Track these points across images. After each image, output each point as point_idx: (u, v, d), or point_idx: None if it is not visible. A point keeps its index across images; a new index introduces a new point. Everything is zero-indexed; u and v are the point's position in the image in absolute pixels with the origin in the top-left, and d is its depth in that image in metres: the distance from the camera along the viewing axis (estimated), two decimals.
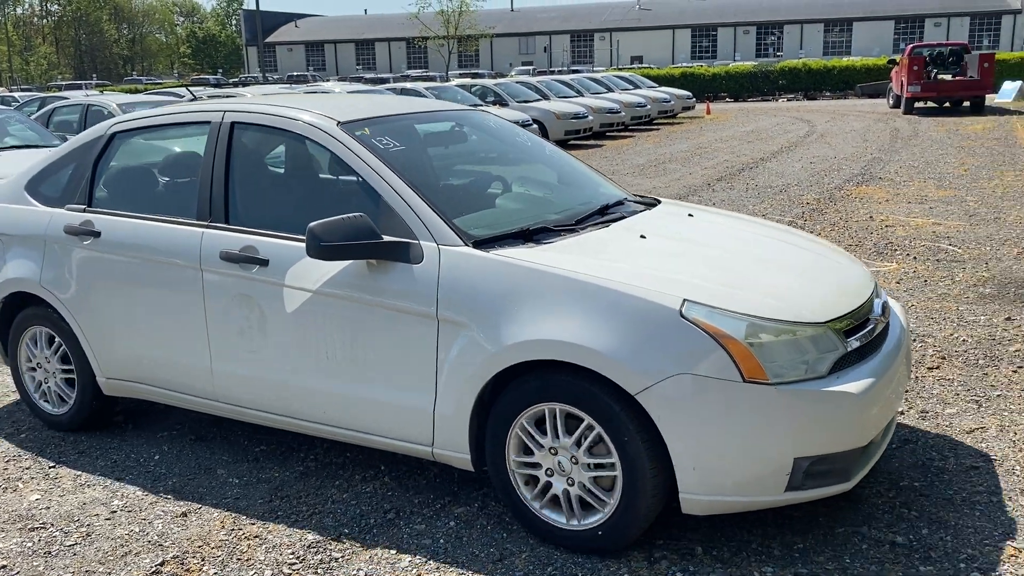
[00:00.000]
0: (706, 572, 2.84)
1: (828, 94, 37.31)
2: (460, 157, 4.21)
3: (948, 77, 24.07)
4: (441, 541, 3.13)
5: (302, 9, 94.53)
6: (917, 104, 24.57)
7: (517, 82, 21.20)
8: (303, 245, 3.30)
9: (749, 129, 21.53)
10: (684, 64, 54.67)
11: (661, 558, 2.94)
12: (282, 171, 4.07)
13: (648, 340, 2.75)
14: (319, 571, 2.98)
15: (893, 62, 27.02)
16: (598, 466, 2.89)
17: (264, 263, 3.45)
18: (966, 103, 24.20)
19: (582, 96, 22.16)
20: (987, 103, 25.12)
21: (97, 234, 3.93)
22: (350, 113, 3.70)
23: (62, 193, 4.18)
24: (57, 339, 4.17)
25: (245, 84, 47.77)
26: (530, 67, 59.55)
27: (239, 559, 3.08)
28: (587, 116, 19.10)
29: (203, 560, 3.08)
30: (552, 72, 48.43)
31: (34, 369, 4.30)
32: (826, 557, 2.90)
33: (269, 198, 3.84)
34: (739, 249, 3.40)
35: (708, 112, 27.85)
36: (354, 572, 2.96)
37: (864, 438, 2.82)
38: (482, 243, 3.13)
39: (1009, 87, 28.42)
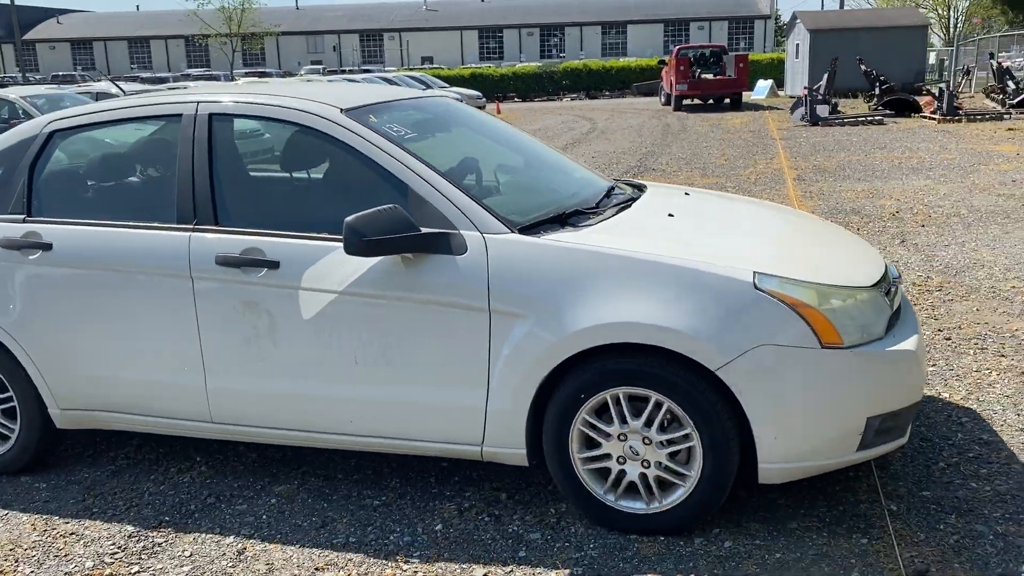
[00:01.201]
0: (510, 514, 3.20)
1: (607, 93, 39.61)
2: (445, 145, 3.86)
3: (710, 76, 26.42)
4: (264, 517, 3.29)
5: (65, 4, 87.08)
6: (685, 101, 26.75)
7: (308, 81, 20.96)
8: (317, 244, 3.13)
9: (537, 127, 22.54)
10: (473, 65, 55.94)
11: (470, 508, 3.27)
12: (277, 165, 3.74)
13: (725, 315, 2.76)
14: (143, 556, 3.06)
15: (663, 63, 29.20)
16: (671, 442, 2.89)
17: (273, 265, 3.16)
18: (727, 100, 26.60)
19: None
20: (744, 100, 27.71)
21: (47, 246, 3.44)
22: (348, 99, 3.45)
23: None
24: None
25: (3, 85, 43.57)
26: (319, 67, 58.50)
27: (56, 555, 3.09)
28: None
29: (17, 561, 3.06)
30: (343, 72, 47.89)
31: None
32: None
33: (268, 195, 3.60)
34: (761, 225, 3.55)
35: (499, 112, 28.77)
36: (179, 554, 3.06)
37: (920, 392, 3.00)
38: (526, 229, 3.05)
39: (762, 85, 31.56)
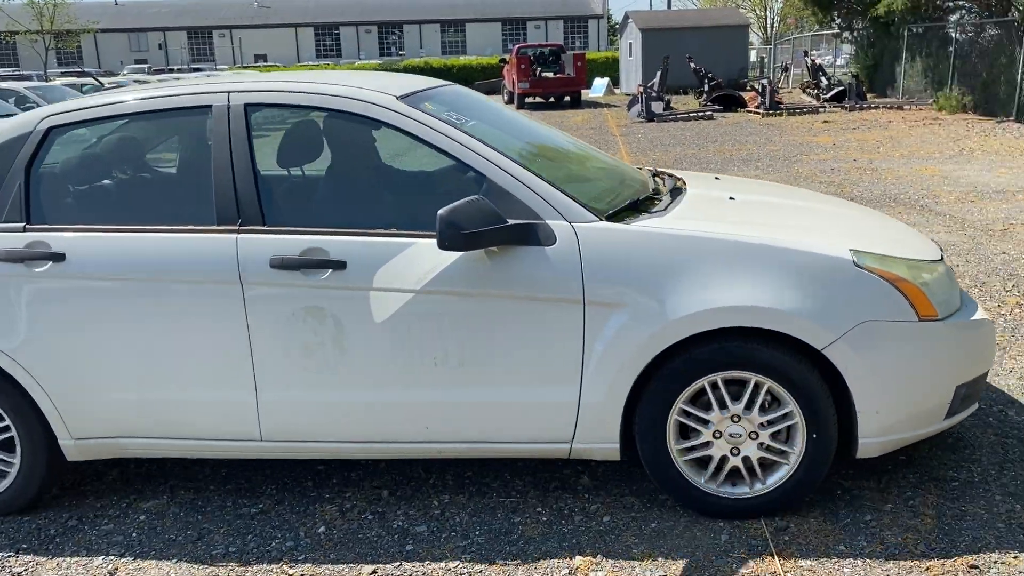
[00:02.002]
0: (394, 510, 3.21)
1: None
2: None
3: (551, 75, 27.03)
4: (134, 535, 3.14)
5: None
6: (527, 99, 27.24)
7: (135, 80, 19.86)
8: (387, 241, 2.93)
9: None
10: (310, 63, 54.63)
11: (352, 507, 3.25)
12: (324, 158, 3.45)
13: (829, 294, 2.79)
14: None
15: (504, 61, 29.62)
16: (772, 423, 2.92)
17: (339, 266, 2.94)
18: (567, 98, 27.31)
19: None
20: (583, 97, 28.56)
21: (58, 257, 3.07)
22: (395, 87, 3.25)
23: None
24: None
25: None
26: (144, 66, 55.43)
27: None
28: None
29: None
30: (171, 71, 45.60)
31: None
32: (493, 476, 3.42)
33: (321, 191, 3.31)
34: (816, 206, 3.56)
35: None
36: None
37: (993, 359, 3.12)
38: (612, 217, 2.96)
39: (599, 83, 32.63)
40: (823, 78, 22.31)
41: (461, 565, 2.85)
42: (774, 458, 2.95)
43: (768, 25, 51.32)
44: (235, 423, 3.10)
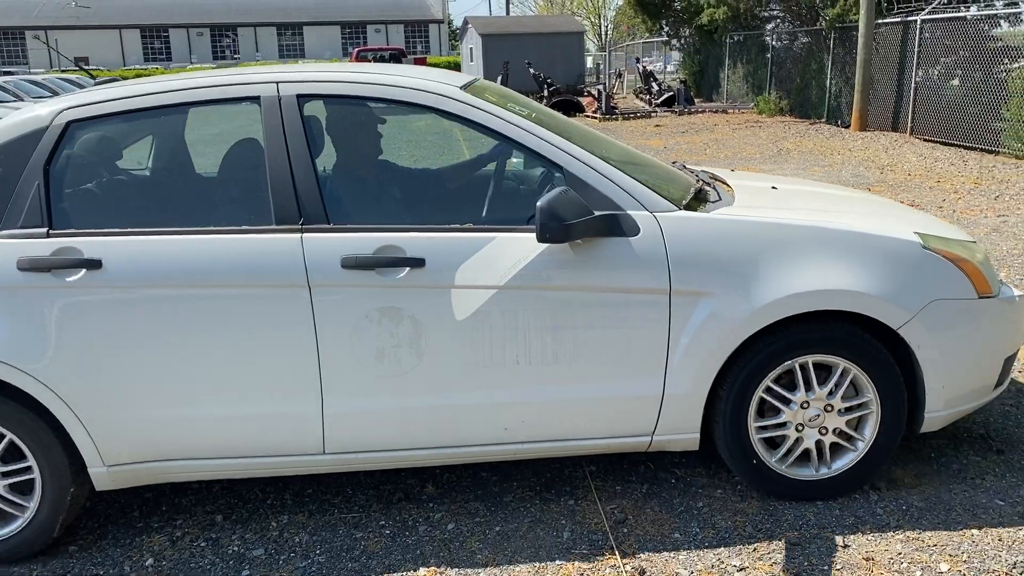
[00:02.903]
0: (229, 535, 3.06)
1: None
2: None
3: None
4: None
5: None
6: None
7: None
8: (466, 236, 2.79)
9: (216, 131, 21.43)
10: (138, 66, 51.80)
11: (183, 535, 3.07)
12: (379, 150, 3.23)
13: (902, 275, 2.89)
14: None
15: None
16: (849, 409, 2.98)
17: (417, 263, 2.77)
18: None
19: (23, 101, 19.84)
20: None
21: (92, 264, 2.74)
22: (448, 77, 3.12)
23: None
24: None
25: None
26: None
27: None
28: None
29: None
30: None
31: None
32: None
33: (388, 185, 3.11)
34: (847, 195, 3.64)
35: None
36: None
37: None
38: (687, 206, 2.96)
39: None
40: (654, 84, 23.29)
41: None
42: (844, 444, 3.05)
43: (603, 32, 53.11)
44: (296, 437, 2.89)
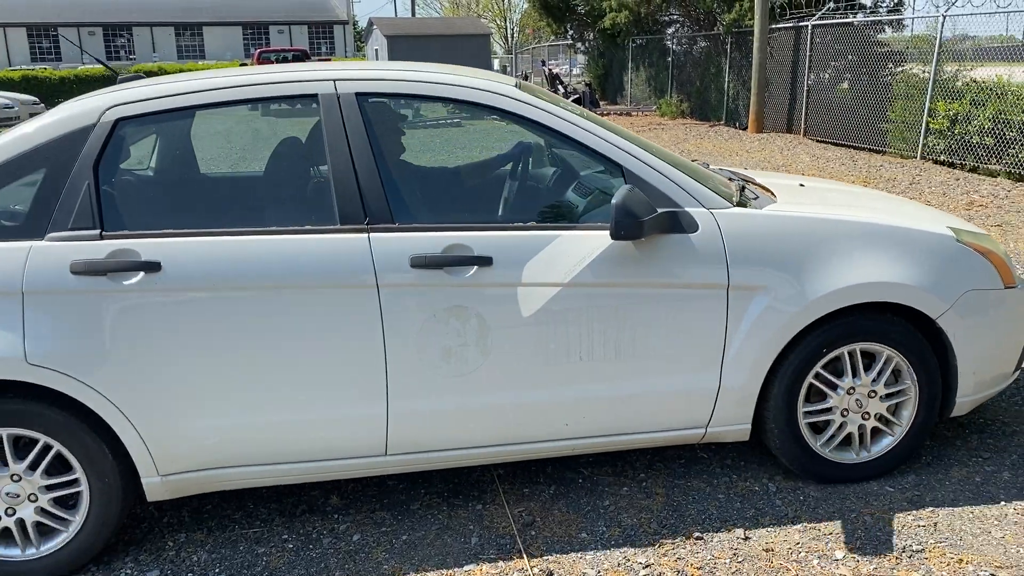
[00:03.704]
0: (122, 558, 2.92)
1: None
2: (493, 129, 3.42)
3: None
4: None
5: None
6: (273, 106, 26.36)
7: None
8: (531, 235, 2.83)
9: None
10: (24, 67, 49.38)
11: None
12: (404, 148, 3.14)
13: (939, 268, 3.04)
14: None
15: (244, 66, 28.49)
16: (890, 395, 3.14)
17: (485, 262, 2.76)
18: (314, 104, 26.70)
19: None
20: None
21: (151, 267, 2.64)
22: (502, 77, 3.14)
23: (28, 218, 2.66)
24: (42, 443, 2.67)
25: None
26: None
27: None
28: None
29: None
30: None
31: None
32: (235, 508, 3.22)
33: (449, 185, 3.13)
34: (863, 191, 3.80)
35: None
36: None
37: None
38: (738, 204, 3.04)
39: None
40: (560, 86, 23.52)
41: None
42: (883, 428, 3.19)
43: (509, 35, 53.41)
44: (360, 439, 2.85)
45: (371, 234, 2.77)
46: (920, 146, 11.52)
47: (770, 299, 2.93)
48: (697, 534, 2.91)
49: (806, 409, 3.10)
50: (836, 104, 13.74)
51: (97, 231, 2.69)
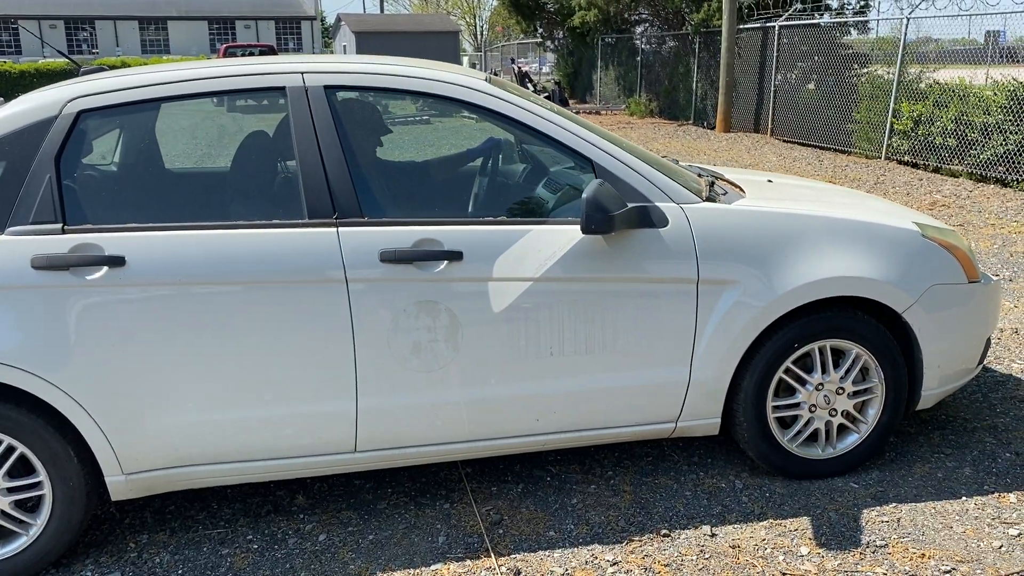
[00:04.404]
0: (82, 559, 2.86)
1: None
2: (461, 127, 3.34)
3: None
4: None
5: None
6: (239, 101, 26.11)
7: None
8: (502, 229, 2.82)
9: None
10: None
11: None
12: (409, 144, 2.89)
13: (906, 263, 3.07)
14: None
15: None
16: (857, 392, 3.16)
17: (455, 256, 2.74)
18: (281, 100, 26.48)
19: None
20: None
21: (115, 261, 2.58)
22: (472, 71, 3.17)
23: None
24: (5, 445, 2.61)
25: None
26: None
27: None
28: None
29: None
30: None
31: None
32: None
33: (422, 179, 3.11)
34: (829, 187, 3.86)
35: None
36: None
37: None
38: (707, 199, 3.04)
39: None
40: (530, 85, 23.52)
41: None
42: (849, 425, 3.22)
43: (478, 32, 53.30)
44: (329, 436, 2.82)
45: (340, 228, 2.74)
46: (885, 146, 11.69)
47: (739, 294, 2.94)
48: (664, 531, 2.92)
49: (775, 403, 3.12)
50: (803, 104, 13.89)
51: (59, 225, 2.63)
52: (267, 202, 2.80)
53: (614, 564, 2.76)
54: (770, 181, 3.73)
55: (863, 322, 3.08)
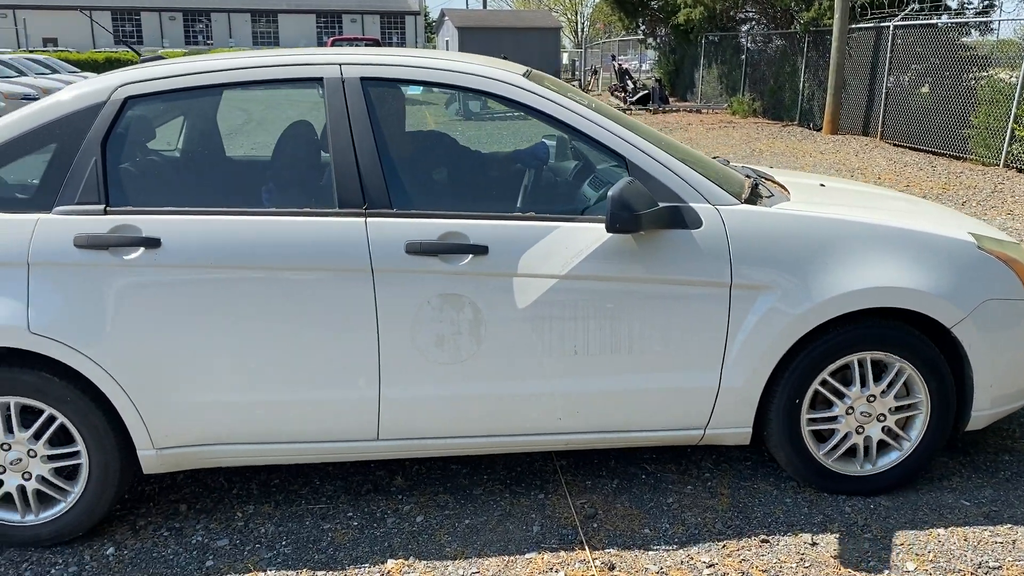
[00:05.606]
0: (192, 525, 3.00)
1: None
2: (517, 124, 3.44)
3: None
4: None
5: None
6: None
7: None
8: (529, 225, 2.79)
9: None
10: (108, 49, 50.95)
11: (146, 524, 3.01)
12: (446, 137, 3.19)
13: (958, 275, 2.91)
14: None
15: None
16: (899, 408, 3.00)
17: (480, 251, 2.75)
18: None
19: None
20: None
21: (151, 243, 2.69)
22: (509, 65, 3.14)
23: (37, 191, 2.74)
24: (47, 414, 2.75)
25: None
26: None
27: None
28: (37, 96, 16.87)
29: None
30: None
31: None
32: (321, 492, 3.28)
33: (452, 172, 3.11)
34: (887, 193, 3.71)
35: None
36: None
37: None
38: (747, 201, 2.96)
39: None
40: (629, 82, 23.34)
41: None
42: (891, 442, 3.07)
43: (579, 29, 53.14)
44: (352, 422, 2.86)
45: (368, 219, 2.78)
46: (1004, 154, 11.12)
47: (775, 300, 2.84)
48: (763, 537, 2.87)
49: (810, 416, 3.01)
50: (916, 108, 13.35)
51: (102, 206, 2.74)
52: (301, 190, 2.87)
53: (710, 566, 2.73)
54: (822, 185, 3.59)
55: (909, 335, 2.92)
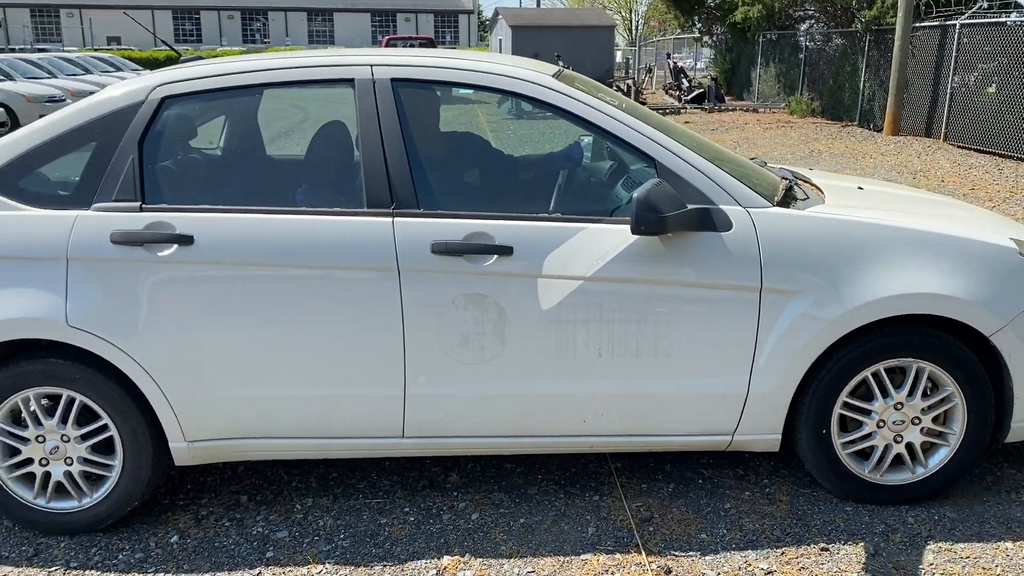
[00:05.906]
0: (253, 516, 3.06)
1: None
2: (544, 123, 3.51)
3: None
4: None
5: None
6: None
7: None
8: (554, 226, 2.80)
9: None
10: (166, 48, 52.23)
11: (209, 514, 3.08)
12: (478, 139, 3.28)
13: (998, 282, 2.83)
14: None
15: None
16: (932, 407, 2.94)
17: (505, 251, 2.77)
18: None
19: (55, 78, 20.02)
20: (452, 93, 28.43)
21: (185, 240, 2.76)
22: (539, 65, 3.15)
23: (77, 188, 2.84)
24: (80, 402, 2.86)
25: None
26: None
27: None
28: (64, 100, 17.37)
29: None
30: (11, 50, 42.45)
31: (17, 452, 2.92)
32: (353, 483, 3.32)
33: (480, 172, 3.12)
34: (928, 197, 3.64)
35: None
36: None
37: None
38: (779, 204, 2.92)
39: None
40: (684, 80, 23.13)
41: (324, 570, 2.75)
42: (935, 440, 2.99)
43: (633, 27, 52.80)
44: (378, 420, 2.89)
45: (395, 219, 2.80)
46: None
47: (806, 305, 2.79)
48: (823, 545, 2.82)
49: (844, 439, 2.96)
50: (982, 109, 12.98)
51: (138, 203, 2.81)
52: (331, 190, 2.90)
53: (768, 573, 2.69)
54: (860, 188, 3.51)
55: (944, 343, 2.85)
